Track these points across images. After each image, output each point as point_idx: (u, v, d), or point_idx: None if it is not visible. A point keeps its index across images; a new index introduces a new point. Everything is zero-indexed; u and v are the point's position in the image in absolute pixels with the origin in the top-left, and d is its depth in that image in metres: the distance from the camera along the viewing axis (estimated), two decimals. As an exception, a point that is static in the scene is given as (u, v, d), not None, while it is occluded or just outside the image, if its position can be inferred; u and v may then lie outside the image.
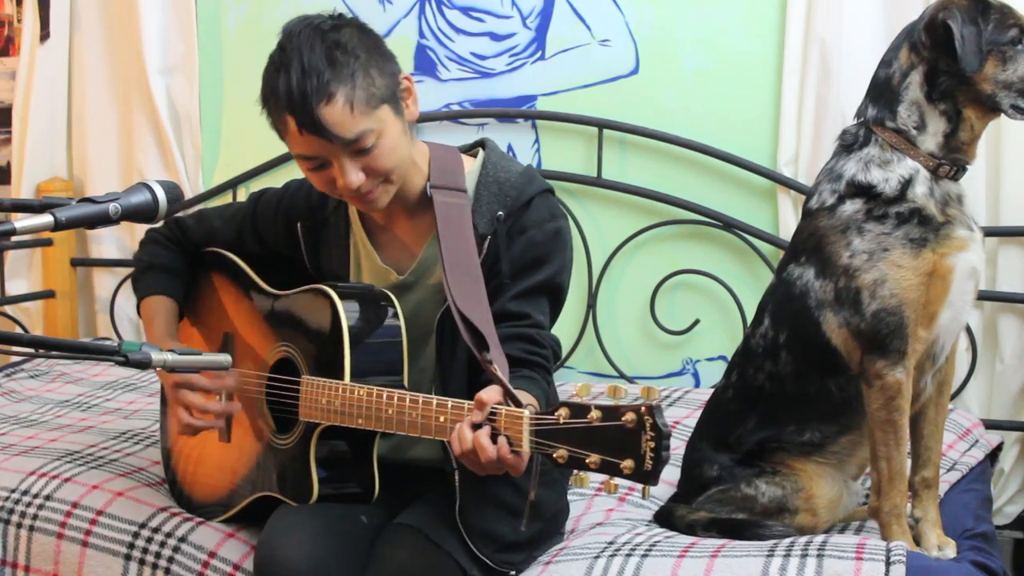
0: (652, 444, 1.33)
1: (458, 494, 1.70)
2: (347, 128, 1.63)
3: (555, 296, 1.82)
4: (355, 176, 1.67)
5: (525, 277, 1.77)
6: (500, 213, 1.76)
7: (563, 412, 1.40)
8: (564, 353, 2.84)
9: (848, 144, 1.88)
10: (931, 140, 1.81)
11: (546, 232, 1.78)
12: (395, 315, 1.77)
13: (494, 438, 1.48)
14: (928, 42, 1.80)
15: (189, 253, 2.05)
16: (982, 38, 1.75)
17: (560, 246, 1.80)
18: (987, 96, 1.78)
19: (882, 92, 1.85)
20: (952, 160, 1.82)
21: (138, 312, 2.04)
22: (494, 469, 1.50)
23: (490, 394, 1.51)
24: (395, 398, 1.62)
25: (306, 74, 1.62)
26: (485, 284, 1.72)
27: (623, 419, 1.34)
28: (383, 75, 1.68)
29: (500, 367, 1.57)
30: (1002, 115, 1.82)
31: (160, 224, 2.02)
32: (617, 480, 1.38)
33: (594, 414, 1.37)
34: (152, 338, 1.94)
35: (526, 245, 1.77)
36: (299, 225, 1.91)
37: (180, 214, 2.06)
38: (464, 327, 1.63)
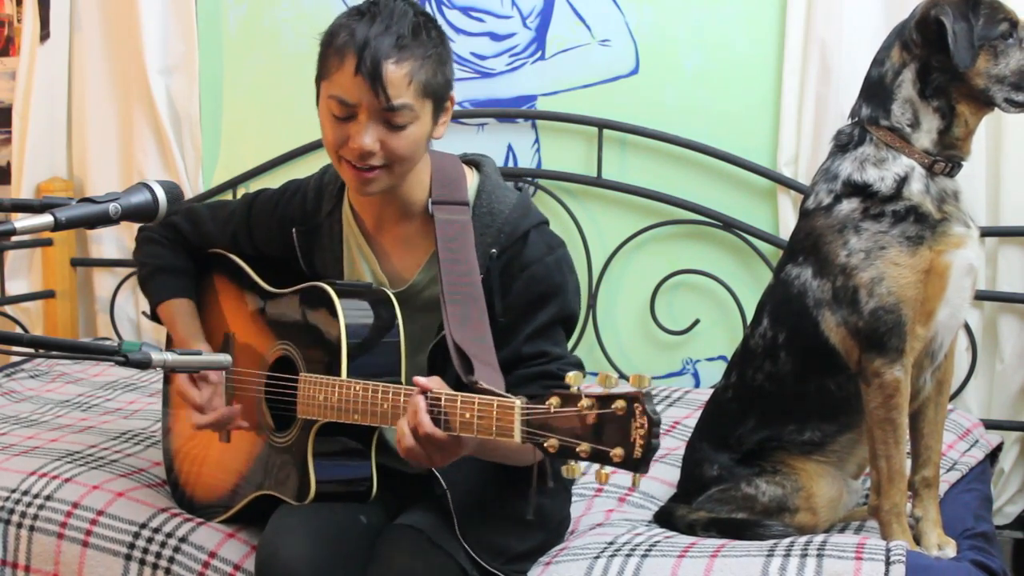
0: (642, 431, 1.32)
1: (454, 515, 1.70)
2: (397, 93, 1.64)
3: (568, 324, 1.82)
4: (371, 140, 1.66)
5: (535, 315, 1.76)
6: (494, 251, 1.75)
7: (554, 401, 1.40)
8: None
9: (843, 144, 1.88)
10: (925, 137, 1.82)
11: (547, 266, 1.77)
12: (394, 315, 1.77)
13: (437, 423, 1.52)
14: (920, 39, 1.81)
15: (190, 252, 2.05)
16: (973, 33, 1.76)
17: (563, 276, 1.79)
18: (980, 91, 1.78)
19: (875, 91, 1.86)
20: (947, 156, 1.82)
21: (152, 317, 2.05)
22: (435, 453, 1.55)
23: (429, 380, 1.56)
24: (390, 393, 1.62)
25: (389, 30, 1.65)
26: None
27: (613, 407, 1.34)
28: (444, 76, 1.71)
29: (493, 383, 1.58)
30: (997, 111, 1.83)
31: (153, 224, 2.02)
32: (609, 469, 1.38)
33: (584, 403, 1.36)
34: (179, 341, 1.96)
35: (529, 282, 1.76)
36: (294, 231, 1.91)
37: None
38: (456, 354, 1.65)
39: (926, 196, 1.80)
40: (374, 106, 1.65)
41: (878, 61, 1.87)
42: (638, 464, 1.33)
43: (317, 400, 1.72)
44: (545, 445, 1.40)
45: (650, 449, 1.32)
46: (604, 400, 1.35)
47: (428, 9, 3.02)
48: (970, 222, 1.84)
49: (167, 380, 2.12)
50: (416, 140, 1.70)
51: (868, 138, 1.84)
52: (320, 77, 1.72)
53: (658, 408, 1.65)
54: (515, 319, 1.75)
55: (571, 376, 1.41)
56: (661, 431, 1.34)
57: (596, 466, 1.38)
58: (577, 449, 1.37)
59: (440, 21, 3.01)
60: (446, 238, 1.74)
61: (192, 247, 2.05)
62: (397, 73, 1.64)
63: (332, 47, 1.68)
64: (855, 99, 1.91)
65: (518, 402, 1.44)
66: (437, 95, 1.71)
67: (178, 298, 2.02)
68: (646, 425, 1.32)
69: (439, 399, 1.53)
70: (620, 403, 1.34)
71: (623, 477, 1.50)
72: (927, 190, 1.80)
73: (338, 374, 1.71)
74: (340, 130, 1.69)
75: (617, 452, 1.34)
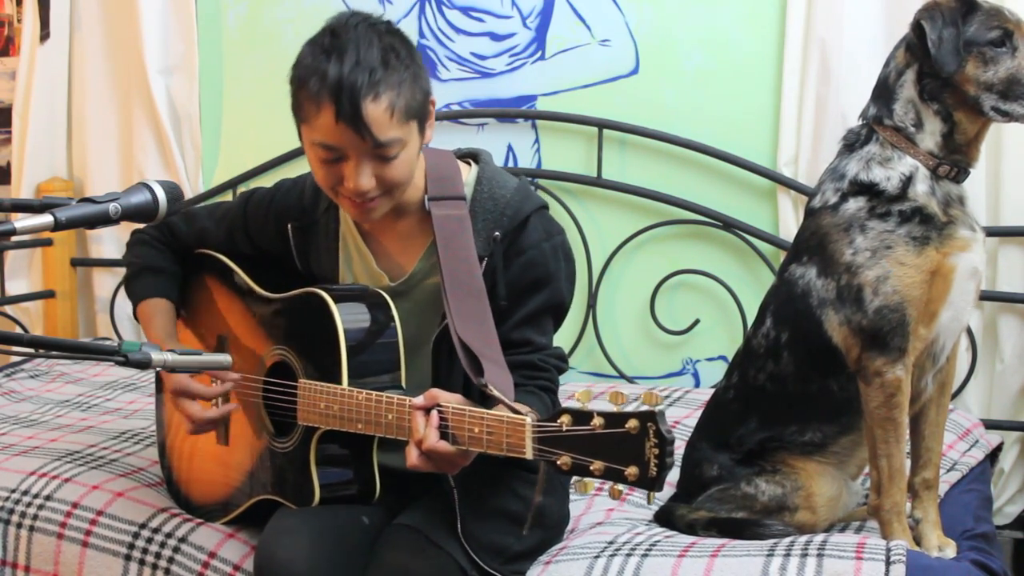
0: (656, 451, 1.33)
1: (458, 512, 1.70)
2: (382, 130, 1.62)
3: (557, 312, 1.82)
4: (367, 180, 1.65)
5: (526, 301, 1.77)
6: (497, 234, 1.75)
7: (565, 419, 1.40)
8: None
9: (851, 143, 1.89)
10: (930, 139, 1.82)
11: (543, 252, 1.77)
12: (390, 316, 1.77)
13: (444, 436, 1.53)
14: (917, 42, 1.81)
15: (180, 254, 2.04)
16: (960, 39, 1.75)
17: (558, 264, 1.79)
18: (971, 98, 1.78)
19: (881, 91, 1.86)
20: (952, 161, 1.82)
21: (134, 316, 2.04)
22: (443, 464, 1.56)
23: (429, 397, 1.56)
24: (394, 403, 1.62)
25: (360, 66, 1.60)
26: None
27: (626, 426, 1.35)
28: (421, 92, 1.69)
29: (502, 386, 1.58)
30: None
31: (147, 225, 2.01)
32: (622, 487, 1.38)
33: (597, 421, 1.37)
34: (152, 340, 1.93)
35: (525, 267, 1.76)
36: (290, 226, 1.90)
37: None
38: (463, 353, 1.64)
39: (931, 198, 1.80)
40: (363, 147, 1.63)
41: (886, 61, 1.88)
42: (653, 483, 1.34)
43: (318, 408, 1.71)
44: (558, 462, 1.40)
45: (664, 467, 1.34)
46: (616, 419, 1.36)
47: (428, 10, 3.04)
48: (976, 226, 1.84)
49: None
50: (410, 162, 1.69)
51: (874, 137, 1.85)
52: (299, 120, 1.69)
53: (658, 408, 1.67)
54: (508, 303, 1.76)
55: (581, 393, 1.42)
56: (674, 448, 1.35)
57: (607, 483, 1.39)
58: (591, 467, 1.38)
59: (440, 21, 3.05)
60: (444, 235, 1.74)
61: (187, 248, 2.04)
62: (377, 110, 1.61)
63: (305, 92, 1.65)
64: (859, 99, 1.92)
65: (529, 420, 1.44)
66: (420, 113, 1.69)
67: (157, 298, 1.99)
68: (660, 444, 1.33)
69: (445, 414, 1.53)
70: (633, 422, 1.34)
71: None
72: (932, 192, 1.80)
73: (338, 381, 1.70)
74: (332, 171, 1.68)
75: (631, 471, 1.35)
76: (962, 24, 1.76)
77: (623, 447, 1.35)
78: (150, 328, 1.96)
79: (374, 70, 1.61)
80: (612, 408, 1.37)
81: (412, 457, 1.56)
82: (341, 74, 1.60)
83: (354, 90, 1.59)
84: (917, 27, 1.79)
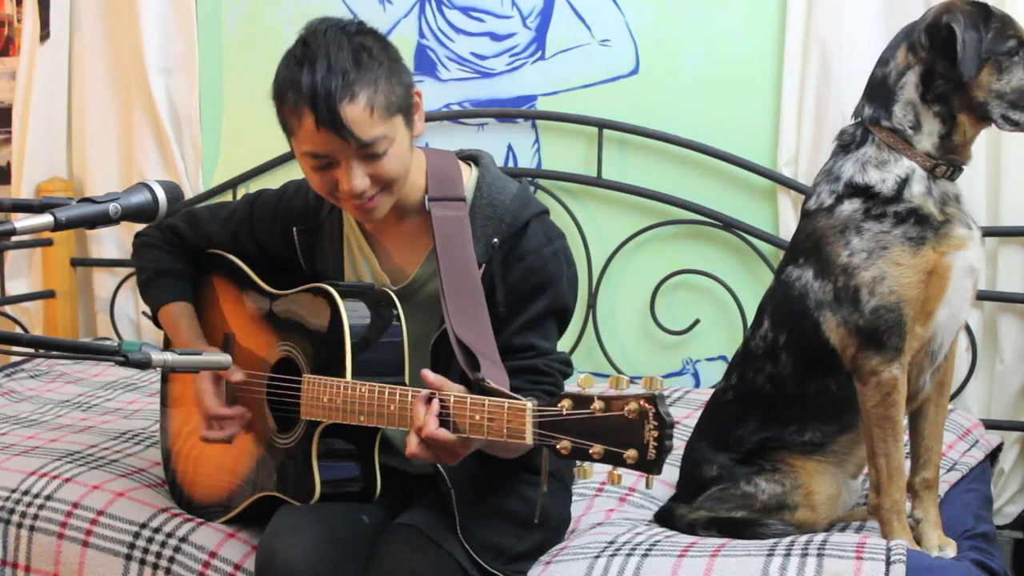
0: (655, 434, 1.33)
1: (456, 514, 1.70)
2: (365, 130, 1.63)
3: (561, 317, 1.82)
4: (361, 180, 1.66)
5: (528, 306, 1.77)
6: (495, 240, 1.76)
7: (566, 403, 1.40)
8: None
9: (846, 144, 1.88)
10: (927, 140, 1.82)
11: (544, 257, 1.77)
12: (396, 315, 1.77)
13: (445, 425, 1.53)
14: (927, 43, 1.80)
15: (188, 255, 2.05)
16: (982, 44, 1.75)
17: (559, 269, 1.79)
18: (979, 104, 1.78)
19: (878, 91, 1.86)
20: (949, 160, 1.82)
21: (154, 321, 2.04)
22: (442, 454, 1.56)
23: (436, 379, 1.57)
24: (397, 394, 1.62)
25: (332, 71, 1.61)
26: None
27: (625, 409, 1.35)
28: (401, 85, 1.69)
29: (498, 382, 1.58)
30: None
31: (151, 227, 2.02)
32: (621, 471, 1.38)
33: (597, 405, 1.37)
34: (182, 345, 1.95)
35: (525, 272, 1.76)
36: (295, 230, 1.91)
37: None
38: (460, 350, 1.65)
39: (928, 198, 1.80)
40: (349, 149, 1.64)
41: (883, 61, 1.87)
42: (652, 465, 1.34)
43: (321, 401, 1.72)
44: (558, 447, 1.41)
45: (663, 450, 1.34)
46: (616, 402, 1.36)
47: (428, 10, 3.04)
48: (972, 224, 1.84)
49: (165, 379, 2.12)
50: (402, 156, 1.70)
51: (870, 139, 1.84)
52: (287, 134, 1.71)
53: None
54: (510, 309, 1.76)
55: (583, 379, 1.42)
56: (674, 433, 1.35)
57: (607, 467, 1.39)
58: (590, 451, 1.38)
59: (440, 21, 3.05)
60: (444, 235, 1.74)
61: (191, 249, 2.05)
62: (356, 110, 1.62)
63: (286, 105, 1.67)
64: (858, 99, 1.90)
65: (530, 404, 1.44)
66: (403, 106, 1.69)
67: (179, 302, 2.01)
68: (659, 427, 1.33)
69: (446, 402, 1.54)
70: (633, 405, 1.35)
71: (624, 479, 1.50)
72: (929, 192, 1.80)
73: (342, 375, 1.71)
74: (326, 178, 1.69)
75: (631, 454, 1.35)
76: (983, 30, 1.76)
77: (623, 430, 1.36)
78: (178, 333, 1.98)
79: (346, 72, 1.62)
80: (613, 392, 1.38)
81: (412, 445, 1.56)
82: (315, 81, 1.61)
83: (329, 95, 1.61)
84: (941, 29, 1.77)
